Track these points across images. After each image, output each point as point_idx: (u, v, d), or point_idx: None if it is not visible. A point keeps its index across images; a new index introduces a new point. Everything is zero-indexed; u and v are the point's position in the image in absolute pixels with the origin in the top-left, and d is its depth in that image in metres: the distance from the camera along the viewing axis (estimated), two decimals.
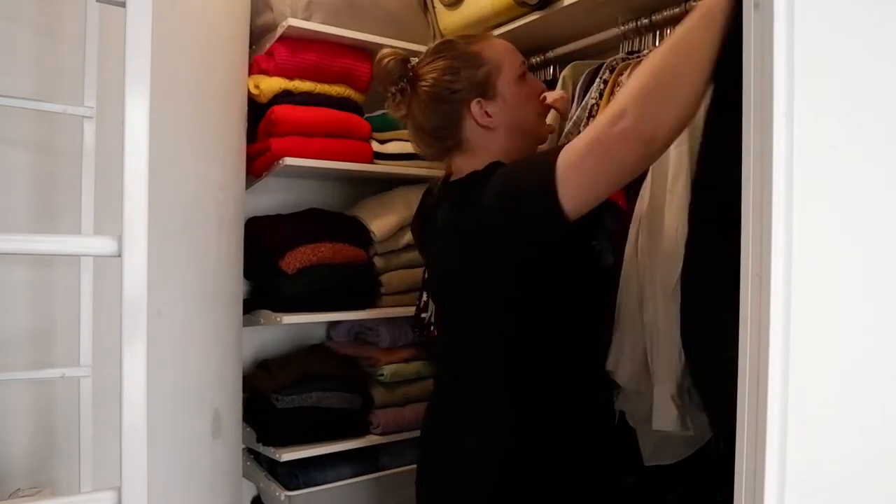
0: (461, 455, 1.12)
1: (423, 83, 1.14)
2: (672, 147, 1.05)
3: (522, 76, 1.17)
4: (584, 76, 1.50)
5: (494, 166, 1.09)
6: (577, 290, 1.14)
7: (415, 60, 1.18)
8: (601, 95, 1.38)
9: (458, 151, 1.16)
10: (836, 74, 0.73)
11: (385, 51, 1.17)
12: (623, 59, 1.41)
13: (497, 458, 1.09)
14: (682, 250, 1.06)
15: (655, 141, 0.86)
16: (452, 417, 1.17)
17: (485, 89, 1.13)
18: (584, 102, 1.40)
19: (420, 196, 1.34)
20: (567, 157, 0.92)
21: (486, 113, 1.13)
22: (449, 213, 1.13)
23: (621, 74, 1.36)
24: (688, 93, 0.84)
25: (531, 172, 0.99)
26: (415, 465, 1.27)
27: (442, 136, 1.16)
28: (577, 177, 0.91)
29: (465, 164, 1.15)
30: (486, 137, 1.14)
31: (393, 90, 1.16)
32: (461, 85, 1.13)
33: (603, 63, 1.44)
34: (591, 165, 0.90)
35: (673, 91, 0.84)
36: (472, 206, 1.05)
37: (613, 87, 1.36)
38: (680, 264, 1.06)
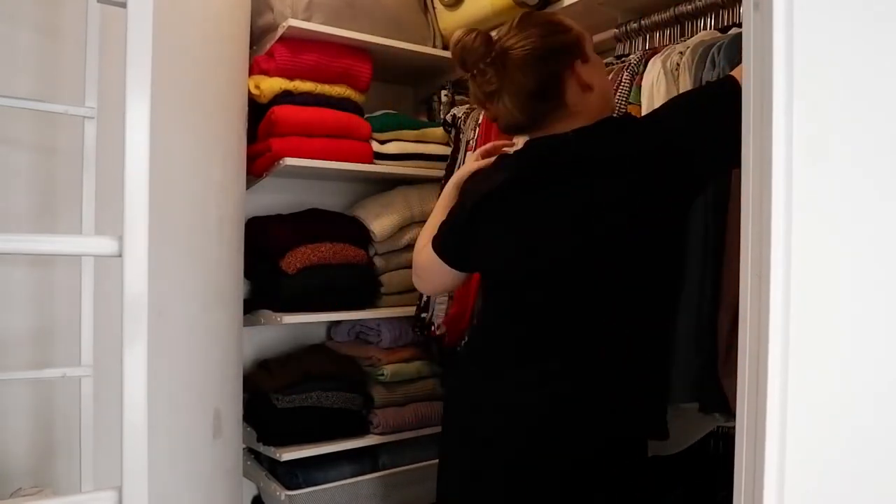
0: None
1: (522, 48, 1.13)
2: None
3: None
4: None
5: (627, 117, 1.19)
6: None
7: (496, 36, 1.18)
8: None
9: (560, 114, 1.14)
10: (836, 74, 0.73)
11: (461, 31, 1.15)
12: (607, 65, 1.41)
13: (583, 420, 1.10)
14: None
15: None
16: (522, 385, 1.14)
17: (579, 52, 1.14)
18: None
19: (420, 194, 1.29)
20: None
21: (585, 74, 1.14)
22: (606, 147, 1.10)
23: None
24: None
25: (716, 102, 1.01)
26: (414, 465, 1.27)
27: (547, 96, 1.14)
28: None
29: (566, 127, 1.14)
30: (585, 99, 1.14)
31: (482, 66, 1.14)
32: (559, 46, 1.13)
33: None
34: None
35: None
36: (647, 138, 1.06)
37: None
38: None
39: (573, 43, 1.14)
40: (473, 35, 1.13)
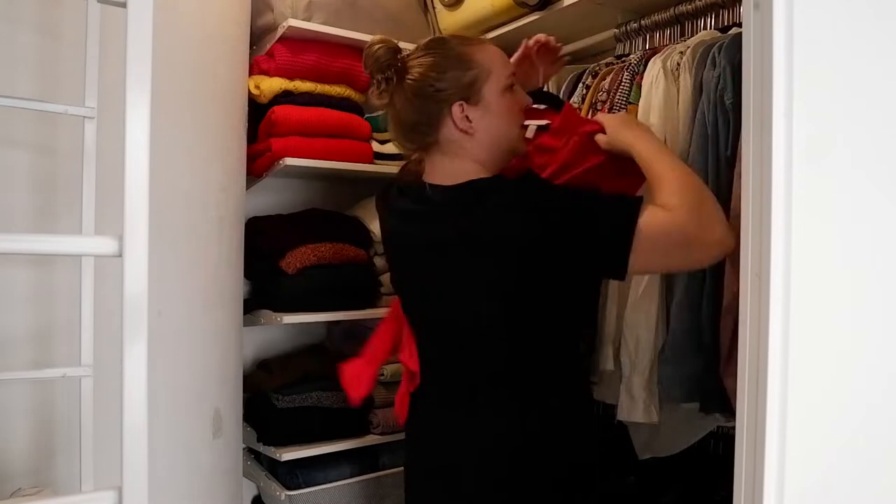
0: (478, 453, 1.11)
1: (410, 76, 1.12)
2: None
3: (510, 87, 1.14)
4: (567, 81, 1.50)
5: (528, 178, 1.11)
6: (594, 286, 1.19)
7: (406, 52, 1.16)
8: (583, 100, 1.39)
9: (435, 150, 1.14)
10: (836, 74, 0.73)
11: (376, 37, 1.15)
12: (607, 65, 1.41)
13: (522, 454, 1.09)
14: None
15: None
16: (460, 417, 1.15)
17: (469, 93, 1.10)
18: None
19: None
20: (648, 230, 0.96)
21: (467, 117, 1.10)
22: (467, 218, 1.07)
23: (603, 80, 1.36)
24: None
25: (608, 221, 0.99)
26: None
27: (420, 132, 1.14)
28: (649, 253, 0.96)
29: (443, 166, 1.13)
30: (464, 141, 1.12)
31: (379, 78, 1.14)
32: (446, 85, 1.10)
33: (586, 68, 1.44)
34: (664, 250, 0.98)
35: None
36: (513, 213, 1.03)
37: (595, 92, 1.37)
38: None
39: (466, 84, 1.10)
40: (381, 45, 1.13)
